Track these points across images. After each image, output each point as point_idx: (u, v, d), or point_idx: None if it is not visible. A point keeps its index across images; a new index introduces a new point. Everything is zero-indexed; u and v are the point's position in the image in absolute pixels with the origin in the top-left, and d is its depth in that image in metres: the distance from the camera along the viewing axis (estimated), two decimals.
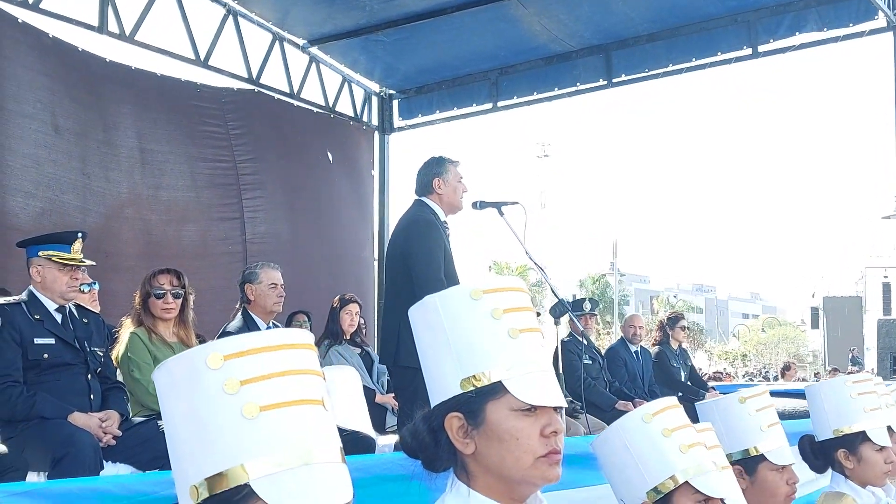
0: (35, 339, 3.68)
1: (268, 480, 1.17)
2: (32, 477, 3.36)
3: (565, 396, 4.81)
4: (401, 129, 10.69)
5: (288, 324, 6.65)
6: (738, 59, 9.02)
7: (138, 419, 3.93)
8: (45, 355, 3.68)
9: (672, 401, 2.17)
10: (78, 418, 3.58)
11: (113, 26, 7.68)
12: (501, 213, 4.48)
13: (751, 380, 25.33)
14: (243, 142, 8.79)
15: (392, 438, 5.14)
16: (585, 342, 6.85)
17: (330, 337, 6.29)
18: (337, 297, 6.45)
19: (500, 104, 10.08)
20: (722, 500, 2.08)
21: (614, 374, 7.39)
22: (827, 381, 3.28)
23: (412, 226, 4.51)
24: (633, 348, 7.74)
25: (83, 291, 4.54)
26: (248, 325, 4.90)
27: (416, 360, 1.66)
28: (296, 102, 9.62)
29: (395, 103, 10.62)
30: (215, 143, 8.58)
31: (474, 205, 4.61)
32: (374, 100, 10.57)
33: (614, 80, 9.55)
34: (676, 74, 9.29)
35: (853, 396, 2.93)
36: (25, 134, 6.86)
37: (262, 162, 8.95)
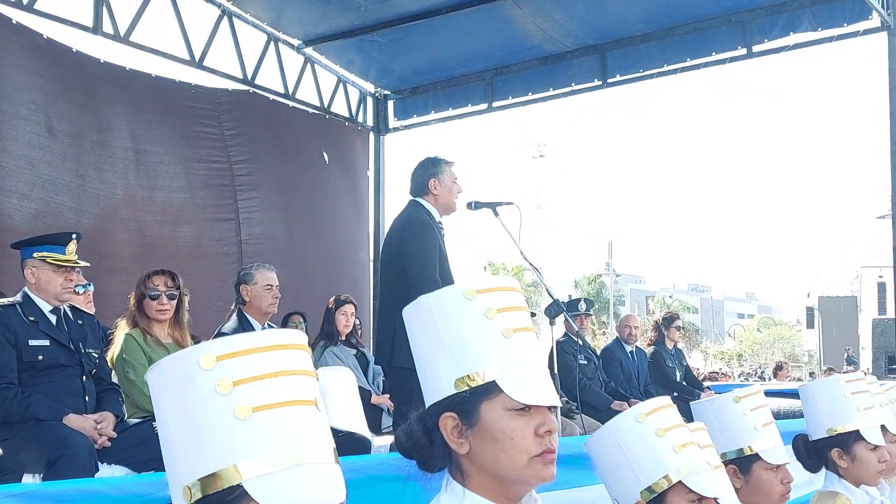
0: (30, 341, 3.67)
1: (260, 481, 1.17)
2: (28, 479, 3.35)
3: (560, 397, 4.81)
4: (396, 129, 10.68)
5: (283, 325, 6.64)
6: (732, 59, 9.02)
7: (133, 421, 3.93)
8: (40, 357, 3.68)
9: (665, 400, 2.17)
10: (73, 420, 3.58)
11: (107, 27, 7.67)
12: (496, 214, 4.48)
13: (746, 380, 25.37)
14: (238, 142, 8.78)
15: (388, 439, 5.14)
16: (581, 342, 6.85)
17: (325, 338, 6.28)
18: (332, 298, 6.45)
19: (495, 104, 10.07)
20: (715, 499, 2.08)
21: (610, 374, 7.40)
22: (820, 381, 3.29)
23: (407, 227, 4.51)
24: (628, 348, 7.75)
25: (78, 293, 4.54)
26: (244, 326, 4.90)
27: (412, 361, 1.66)
28: (291, 103, 9.61)
29: (391, 104, 10.61)
30: (210, 143, 8.57)
31: (469, 205, 4.60)
32: (370, 100, 10.57)
33: (609, 81, 9.55)
34: (671, 74, 9.29)
35: (847, 396, 2.94)
36: (19, 135, 6.84)
37: (257, 163, 8.94)
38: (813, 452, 3.01)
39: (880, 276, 32.84)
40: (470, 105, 10.21)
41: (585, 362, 7.03)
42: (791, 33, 8.70)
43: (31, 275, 3.78)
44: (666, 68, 9.24)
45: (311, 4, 8.76)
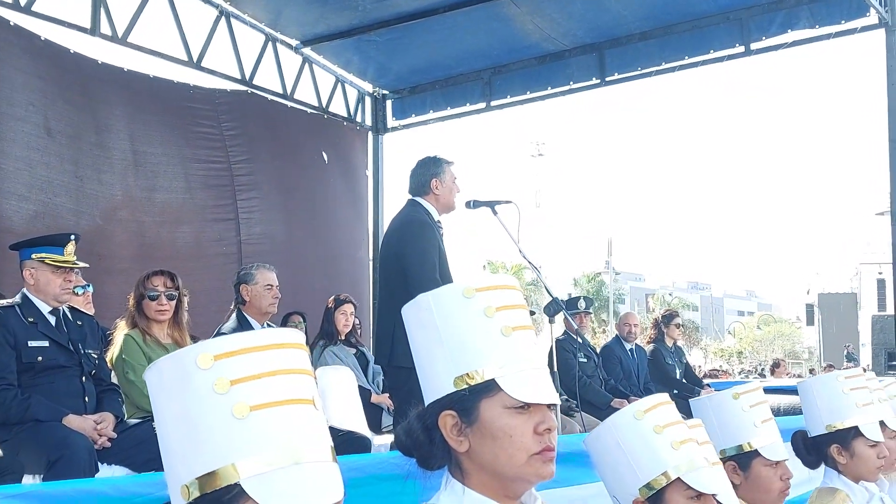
0: (29, 342, 3.67)
1: (258, 480, 1.17)
2: (28, 480, 3.35)
3: (560, 395, 4.81)
4: (394, 129, 10.68)
5: (283, 325, 6.64)
6: (730, 57, 9.03)
7: (133, 421, 3.93)
8: (40, 358, 3.68)
9: (663, 397, 2.17)
10: (73, 421, 3.58)
11: (105, 28, 7.67)
12: (495, 213, 4.48)
13: (746, 377, 25.38)
14: (237, 143, 8.78)
15: (388, 438, 5.14)
16: (580, 340, 6.86)
17: (325, 337, 6.29)
18: (332, 298, 6.45)
19: (493, 103, 10.07)
20: (714, 495, 2.09)
21: (609, 371, 7.40)
22: (819, 377, 3.30)
23: (406, 226, 4.51)
24: (628, 346, 7.75)
25: (77, 294, 4.54)
26: (243, 326, 4.89)
27: (411, 360, 1.66)
28: (289, 103, 9.61)
29: (389, 103, 10.61)
30: (209, 144, 8.57)
31: (468, 204, 4.60)
32: (368, 100, 10.57)
33: (607, 79, 9.56)
34: (669, 72, 9.30)
35: (845, 392, 2.94)
36: (18, 137, 6.84)
37: (257, 163, 8.94)
38: (812, 449, 3.02)
39: (880, 273, 32.82)
40: (468, 104, 10.21)
41: (585, 360, 7.04)
42: (789, 30, 8.71)
43: (29, 276, 3.78)
44: (664, 66, 9.25)
45: (308, 5, 8.76)
